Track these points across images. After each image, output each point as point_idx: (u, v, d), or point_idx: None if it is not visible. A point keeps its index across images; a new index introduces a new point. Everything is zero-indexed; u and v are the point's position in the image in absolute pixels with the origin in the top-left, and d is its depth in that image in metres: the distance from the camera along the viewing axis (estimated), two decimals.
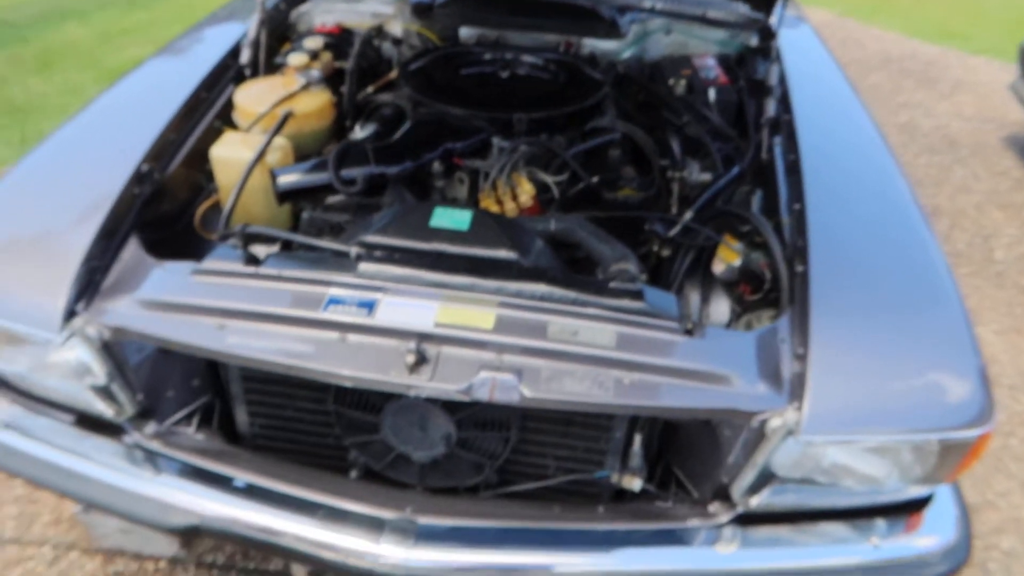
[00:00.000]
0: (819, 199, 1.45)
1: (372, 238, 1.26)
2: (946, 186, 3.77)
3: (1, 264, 1.28)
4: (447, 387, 1.09)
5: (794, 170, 1.56)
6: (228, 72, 1.84)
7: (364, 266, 1.21)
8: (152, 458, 1.31)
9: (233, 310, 1.17)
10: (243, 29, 2.01)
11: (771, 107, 1.78)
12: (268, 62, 1.95)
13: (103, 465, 1.29)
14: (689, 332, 1.18)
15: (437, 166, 1.53)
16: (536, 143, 1.56)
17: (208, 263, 1.24)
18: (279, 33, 2.11)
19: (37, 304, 1.20)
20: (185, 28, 6.07)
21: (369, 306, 1.16)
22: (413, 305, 1.17)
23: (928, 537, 1.27)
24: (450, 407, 1.21)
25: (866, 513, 1.29)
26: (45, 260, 1.25)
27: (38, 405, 1.41)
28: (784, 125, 1.74)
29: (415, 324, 1.13)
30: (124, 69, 5.06)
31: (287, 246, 1.35)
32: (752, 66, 2.11)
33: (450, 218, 1.30)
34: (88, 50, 5.28)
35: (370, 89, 1.93)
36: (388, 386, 1.10)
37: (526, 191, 1.51)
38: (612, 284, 1.23)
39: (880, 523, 1.28)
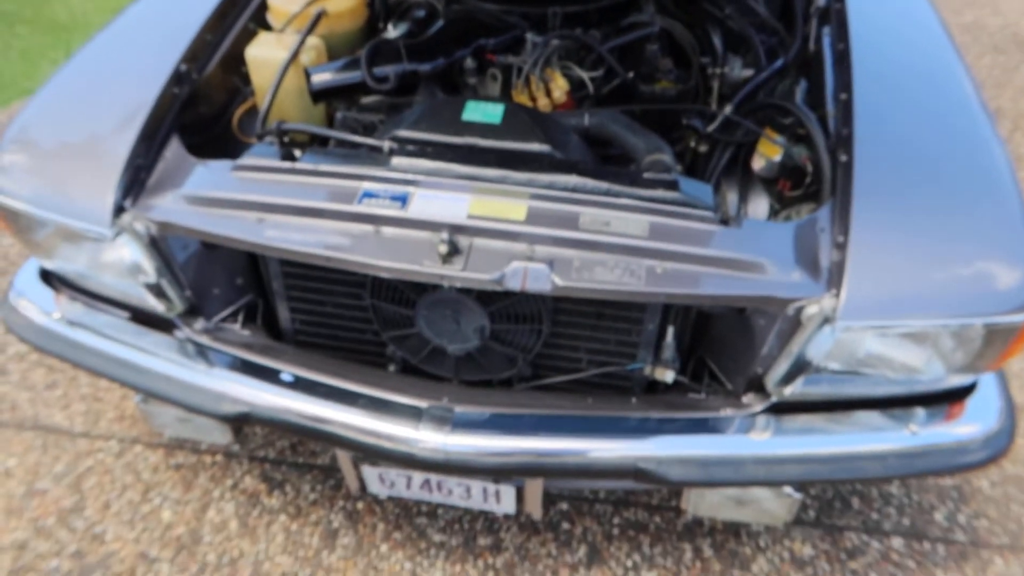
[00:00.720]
0: (867, 88, 1.38)
1: (405, 132, 1.26)
2: (1009, 87, 3.55)
3: (53, 165, 1.32)
4: (479, 276, 1.10)
5: (843, 60, 1.48)
6: None
7: (397, 160, 1.22)
8: (203, 351, 1.38)
9: (271, 204, 1.20)
10: None
11: None
12: None
13: (158, 357, 1.36)
14: (724, 222, 1.17)
15: (470, 63, 1.50)
16: (570, 36, 1.51)
17: (246, 159, 1.27)
18: None
19: (88, 201, 1.25)
20: None
21: (402, 199, 1.17)
22: (445, 198, 1.17)
23: (969, 425, 1.27)
24: (483, 299, 1.23)
25: (905, 402, 1.29)
26: (93, 160, 1.29)
27: (96, 302, 1.48)
28: (834, 14, 1.65)
29: (447, 216, 1.14)
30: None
31: (323, 142, 1.36)
32: None
33: (482, 112, 1.29)
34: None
35: None
36: (421, 276, 1.12)
37: (560, 86, 1.47)
38: (646, 175, 1.21)
39: (919, 412, 1.28)
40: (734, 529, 1.69)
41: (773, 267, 1.13)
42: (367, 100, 1.58)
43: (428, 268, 1.11)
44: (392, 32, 1.68)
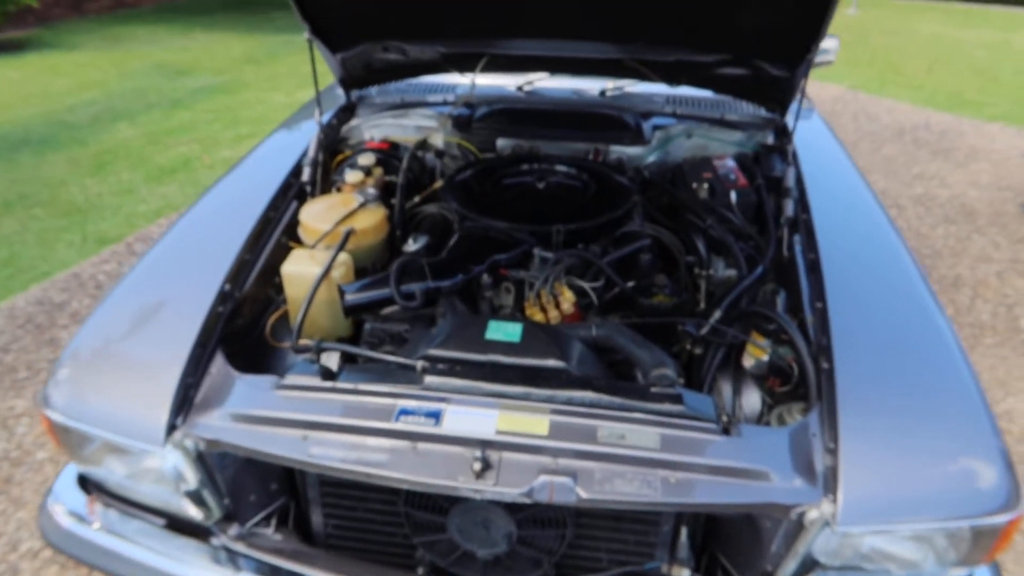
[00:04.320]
0: (839, 298, 1.56)
1: (435, 351, 1.41)
2: (965, 256, 3.86)
3: (106, 381, 1.43)
4: (510, 491, 1.20)
5: (815, 268, 1.69)
6: (291, 190, 2.03)
7: (429, 379, 1.35)
8: (238, 558, 1.43)
9: (314, 422, 1.31)
10: (301, 145, 2.23)
11: (789, 208, 1.93)
12: (325, 175, 2.16)
13: (195, 567, 1.41)
14: (726, 431, 1.30)
15: (486, 278, 1.69)
16: (575, 254, 1.71)
17: (289, 379, 1.39)
18: (332, 147, 2.32)
19: (142, 419, 1.35)
20: (224, 127, 6.44)
21: (436, 416, 1.29)
22: (475, 414, 1.29)
23: None
24: (511, 507, 1.33)
25: None
26: (146, 381, 1.40)
27: (132, 509, 1.55)
28: (802, 224, 1.88)
29: (478, 432, 1.26)
30: (172, 168, 5.40)
31: (352, 358, 1.49)
32: (768, 163, 2.27)
33: (503, 331, 1.45)
34: (138, 150, 5.65)
35: (416, 199, 2.11)
36: (457, 491, 1.22)
37: (568, 299, 1.65)
38: (653, 389, 1.35)
39: None
40: None
41: (774, 474, 1.24)
42: (390, 310, 1.73)
43: (463, 484, 1.21)
44: (412, 245, 1.87)
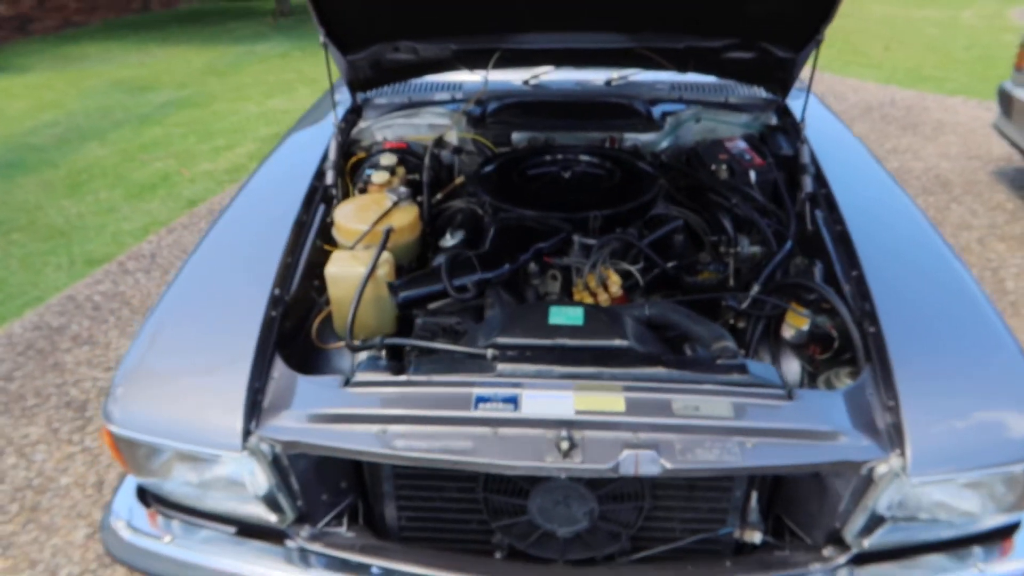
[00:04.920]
0: (872, 265, 1.64)
1: (503, 339, 1.44)
2: (946, 225, 4.01)
3: (171, 392, 1.43)
4: (598, 467, 1.24)
5: (843, 239, 1.76)
6: (316, 193, 2.04)
7: (502, 366, 1.38)
8: (312, 558, 1.44)
9: (392, 416, 1.33)
10: (315, 148, 2.24)
11: (808, 183, 2.00)
12: (341, 177, 2.17)
13: (273, 569, 1.42)
14: (790, 397, 1.35)
15: (532, 266, 1.72)
16: (617, 238, 1.75)
17: (360, 376, 1.41)
18: (345, 150, 2.33)
19: (215, 427, 1.35)
20: (198, 140, 6.36)
21: (513, 401, 1.32)
22: (551, 396, 1.33)
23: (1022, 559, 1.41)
24: (592, 484, 1.36)
25: (963, 543, 1.43)
26: (214, 388, 1.40)
27: (197, 519, 1.54)
28: (822, 198, 1.95)
29: (558, 413, 1.29)
30: (152, 184, 5.31)
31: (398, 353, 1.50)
32: (774, 143, 2.35)
33: (565, 315, 1.48)
34: (112, 168, 5.55)
35: (439, 196, 2.14)
36: (546, 471, 1.25)
37: (615, 282, 1.69)
38: (718, 361, 1.40)
39: (977, 550, 1.42)
40: None
41: (842, 434, 1.30)
42: (436, 304, 1.75)
43: (552, 463, 1.24)
44: (450, 240, 1.90)
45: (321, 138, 2.34)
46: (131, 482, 1.63)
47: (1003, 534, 1.46)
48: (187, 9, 14.62)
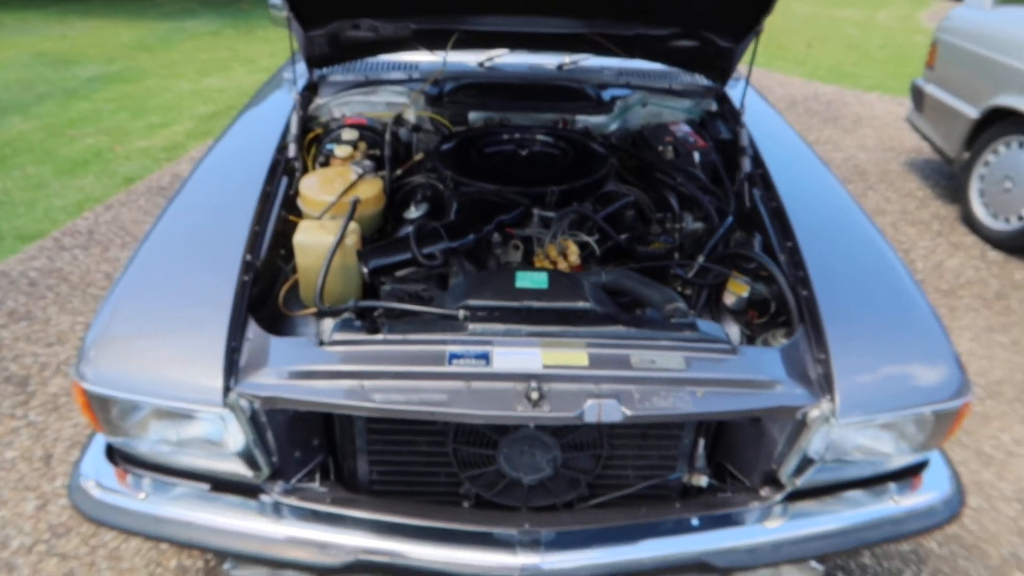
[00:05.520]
0: (806, 236, 1.80)
1: (473, 302, 1.53)
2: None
3: (148, 351, 1.46)
4: (565, 415, 1.35)
5: (778, 214, 1.92)
6: (279, 166, 2.07)
7: (473, 325, 1.47)
8: (293, 510, 1.51)
9: (369, 372, 1.40)
10: (274, 122, 2.27)
11: (747, 164, 2.16)
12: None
13: (257, 520, 1.48)
14: (735, 352, 1.50)
15: (496, 236, 1.81)
16: (574, 211, 1.86)
17: (337, 335, 1.47)
18: (303, 125, 2.36)
19: (195, 383, 1.40)
20: (131, 116, 6.17)
21: (485, 357, 1.41)
22: (520, 353, 1.43)
23: (932, 492, 1.61)
24: (557, 433, 1.47)
25: (880, 480, 1.62)
26: (193, 347, 1.44)
27: (169, 477, 1.58)
28: (759, 178, 2.11)
29: (527, 367, 1.39)
30: (84, 160, 5.14)
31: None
32: (714, 127, 2.51)
33: (531, 279, 1.58)
34: (39, 143, 5.33)
35: (399, 171, 2.20)
36: (518, 419, 1.35)
37: (574, 251, 1.81)
38: (672, 320, 1.53)
39: (892, 486, 1.61)
40: None
41: (780, 383, 1.46)
42: (403, 272, 1.83)
43: (523, 412, 1.34)
44: (414, 212, 1.97)
45: (277, 113, 2.37)
46: (99, 444, 1.65)
47: (914, 472, 1.65)
48: None
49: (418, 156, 2.25)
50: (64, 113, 6.00)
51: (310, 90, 2.53)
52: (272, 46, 8.75)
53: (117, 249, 3.75)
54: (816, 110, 6.17)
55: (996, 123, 3.90)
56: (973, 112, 4.02)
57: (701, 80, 2.68)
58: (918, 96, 4.61)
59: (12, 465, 2.37)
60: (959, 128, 4.14)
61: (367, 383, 1.40)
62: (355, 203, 1.86)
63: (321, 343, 1.47)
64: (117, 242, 3.83)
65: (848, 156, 5.15)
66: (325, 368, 1.42)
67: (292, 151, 2.12)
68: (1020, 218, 3.79)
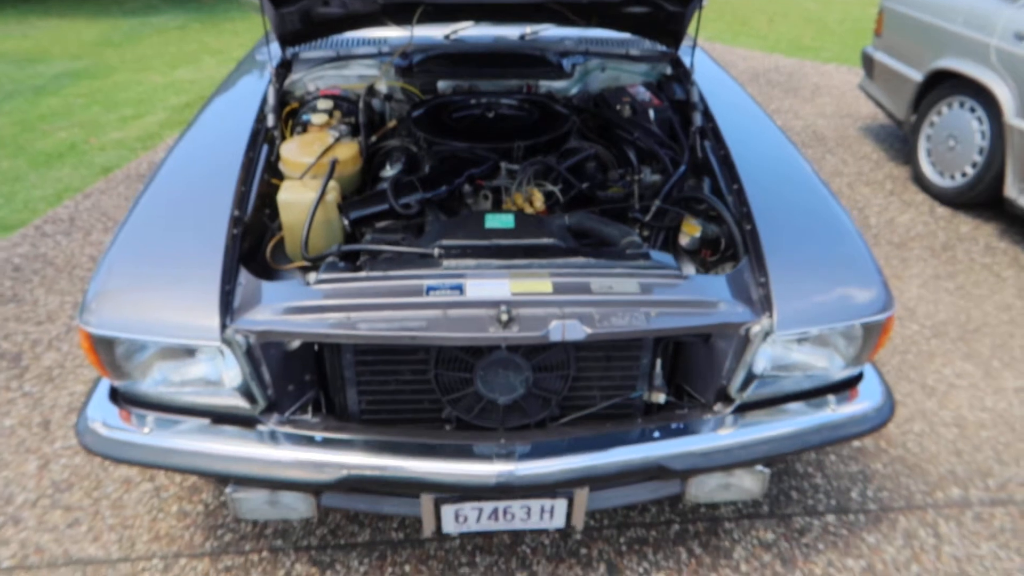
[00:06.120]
0: (751, 179, 1.97)
1: (447, 242, 1.67)
2: (822, 173, 4.50)
3: (148, 296, 1.59)
4: (532, 334, 1.50)
5: (726, 161, 2.09)
6: (259, 135, 2.19)
7: (447, 262, 1.62)
8: (290, 437, 1.65)
9: (356, 305, 1.54)
10: (250, 96, 2.39)
11: (698, 119, 2.32)
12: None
13: (257, 445, 1.61)
14: (684, 278, 1.66)
15: (467, 188, 1.96)
16: (539, 162, 2.01)
17: (323, 275, 1.61)
18: (280, 97, 2.48)
19: (193, 323, 1.53)
20: (104, 110, 6.22)
21: (459, 288, 1.56)
22: (490, 284, 1.58)
23: (867, 401, 1.79)
24: (528, 354, 1.63)
25: (820, 392, 1.79)
26: (190, 290, 1.58)
27: (169, 415, 1.70)
28: (710, 131, 2.28)
29: (497, 295, 1.54)
30: (59, 153, 5.19)
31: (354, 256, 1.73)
32: (669, 89, 2.67)
33: (499, 220, 1.73)
34: (11, 138, 5.36)
35: (374, 138, 2.33)
36: (490, 340, 1.50)
37: (538, 198, 1.96)
38: (627, 251, 1.69)
39: (831, 398, 1.79)
40: (713, 529, 2.10)
41: (724, 304, 1.62)
42: (382, 224, 1.97)
43: (495, 333, 1.49)
44: (390, 171, 2.11)
45: (253, 89, 2.49)
46: (102, 391, 1.77)
47: (850, 384, 1.83)
48: None
49: (391, 123, 2.39)
50: (34, 109, 6.02)
51: (284, 67, 2.65)
52: (240, 38, 8.78)
53: (100, 234, 3.84)
54: (777, 81, 6.38)
55: (939, 85, 4.11)
56: (918, 76, 4.23)
57: (657, 47, 2.84)
58: (868, 63, 4.81)
59: (11, 431, 2.48)
60: (906, 92, 4.35)
61: (353, 315, 1.54)
62: (334, 163, 2.00)
63: (307, 283, 1.61)
64: (99, 227, 3.91)
65: (808, 123, 5.35)
66: (314, 303, 1.56)
67: (271, 120, 2.24)
68: (963, 175, 4.01)
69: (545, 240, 1.69)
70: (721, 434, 1.68)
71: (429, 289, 1.56)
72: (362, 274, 1.60)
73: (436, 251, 1.65)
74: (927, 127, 4.23)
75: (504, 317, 1.49)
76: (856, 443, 2.42)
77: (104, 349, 1.59)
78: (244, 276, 1.66)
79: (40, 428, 2.48)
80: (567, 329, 1.52)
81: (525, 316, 1.53)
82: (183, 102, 6.14)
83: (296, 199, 1.93)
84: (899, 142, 5.02)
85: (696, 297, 1.61)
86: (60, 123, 5.68)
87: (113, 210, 4.12)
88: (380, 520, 2.11)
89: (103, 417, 1.72)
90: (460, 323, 1.52)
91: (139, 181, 4.52)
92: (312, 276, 1.66)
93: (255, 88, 2.49)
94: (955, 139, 4.01)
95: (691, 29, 2.74)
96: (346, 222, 1.90)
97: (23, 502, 2.20)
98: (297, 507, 1.70)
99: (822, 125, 5.31)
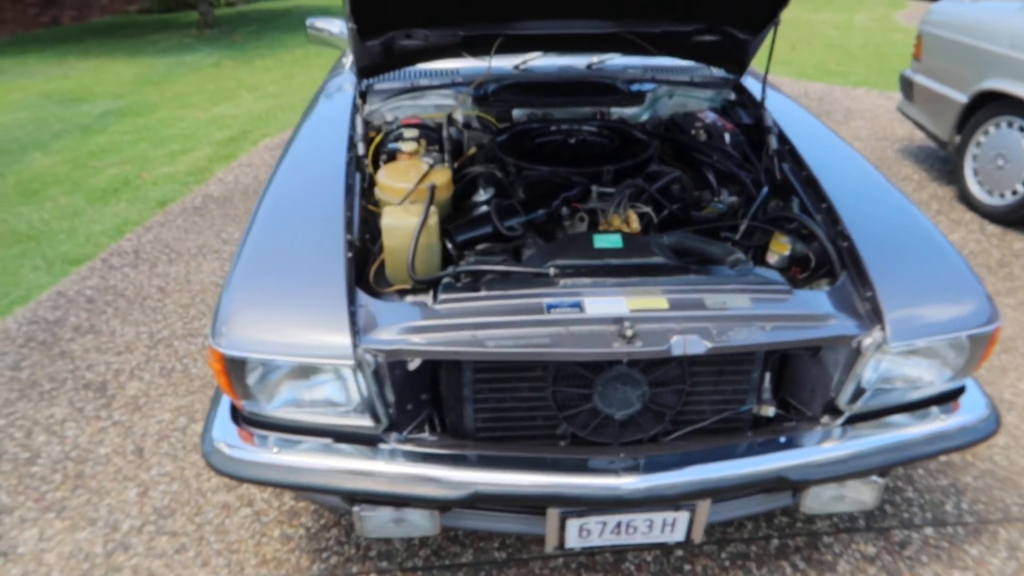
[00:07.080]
0: (838, 198, 2.02)
1: (561, 261, 1.73)
2: None
3: (277, 319, 1.64)
4: (655, 349, 1.54)
5: (810, 182, 2.14)
6: (351, 163, 2.27)
7: (563, 280, 1.68)
8: (414, 455, 1.69)
9: (480, 323, 1.60)
10: (336, 126, 2.47)
11: (773, 141, 2.38)
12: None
13: (387, 462, 1.65)
14: (791, 293, 1.70)
15: (564, 210, 2.02)
16: (633, 184, 2.08)
17: (444, 296, 1.67)
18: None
19: (326, 343, 1.58)
20: (151, 146, 6.40)
21: (578, 306, 1.61)
22: (607, 301, 1.63)
23: (971, 413, 1.81)
24: (644, 370, 1.67)
25: (925, 404, 1.82)
26: (320, 313, 1.63)
27: (290, 436, 1.75)
28: (788, 154, 2.33)
29: (616, 312, 1.59)
30: (113, 188, 5.32)
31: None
32: (735, 114, 2.74)
33: (607, 240, 1.79)
34: (65, 175, 5.51)
35: (456, 164, 2.41)
36: (615, 355, 1.55)
37: (634, 219, 2.01)
38: (735, 268, 1.74)
39: (935, 409, 1.81)
40: (813, 544, 2.11)
41: (834, 317, 1.66)
42: (482, 247, 2.02)
43: (620, 348, 1.54)
44: (483, 195, 2.18)
45: (336, 119, 2.58)
46: (223, 413, 1.82)
47: (952, 397, 1.85)
48: (101, 22, 14.24)
49: (471, 150, 2.46)
50: (83, 147, 6.19)
51: (360, 98, 2.74)
52: (273, 74, 9.01)
53: (165, 265, 3.93)
54: (808, 106, 6.44)
55: (985, 106, 4.16)
56: (962, 97, 4.29)
57: (719, 72, 2.92)
58: (908, 86, 4.88)
59: (108, 459, 2.53)
60: (950, 113, 4.41)
61: (479, 333, 1.59)
62: (432, 188, 2.06)
63: (428, 304, 1.67)
64: (164, 259, 4.01)
65: None
66: (439, 323, 1.61)
67: (361, 149, 2.33)
68: (1014, 193, 4.04)
69: (656, 259, 1.75)
70: (834, 445, 1.71)
71: (549, 307, 1.61)
72: (483, 293, 1.66)
73: (552, 270, 1.70)
74: (973, 147, 4.27)
75: (629, 332, 1.54)
76: (943, 457, 2.43)
77: (235, 370, 1.64)
78: (363, 297, 1.72)
79: (135, 455, 2.54)
80: (688, 344, 1.56)
81: (645, 331, 1.58)
82: (227, 136, 6.30)
83: (400, 224, 1.99)
84: (939, 162, 5.07)
85: (807, 311, 1.66)
86: (110, 159, 5.84)
87: (175, 242, 4.22)
88: (482, 540, 2.14)
89: (225, 438, 1.77)
90: (583, 339, 1.57)
91: (195, 214, 4.63)
92: (429, 296, 1.71)
93: (338, 118, 2.58)
94: (1004, 158, 4.05)
95: (763, 54, 2.81)
96: (450, 245, 1.96)
97: (129, 528, 2.25)
98: (422, 524, 1.73)
99: (859, 147, 5.36)
